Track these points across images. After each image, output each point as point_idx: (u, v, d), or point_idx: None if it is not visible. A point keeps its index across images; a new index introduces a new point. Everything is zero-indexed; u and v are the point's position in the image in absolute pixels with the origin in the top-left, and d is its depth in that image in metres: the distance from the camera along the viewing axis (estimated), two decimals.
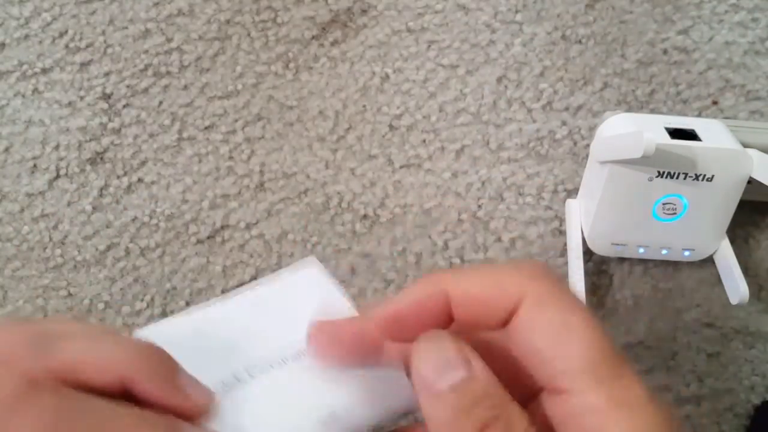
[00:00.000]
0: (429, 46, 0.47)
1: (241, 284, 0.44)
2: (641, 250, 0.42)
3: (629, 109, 0.46)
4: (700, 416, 0.44)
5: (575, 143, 0.46)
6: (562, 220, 0.45)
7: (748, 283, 0.41)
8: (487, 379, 0.20)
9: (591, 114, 0.46)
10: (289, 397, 0.26)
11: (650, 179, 0.39)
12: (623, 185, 0.40)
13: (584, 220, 0.43)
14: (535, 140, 0.46)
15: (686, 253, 0.42)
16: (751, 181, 0.40)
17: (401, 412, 0.26)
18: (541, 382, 0.21)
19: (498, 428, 0.20)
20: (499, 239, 0.45)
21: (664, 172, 0.39)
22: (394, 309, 0.23)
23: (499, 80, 0.47)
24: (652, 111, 0.46)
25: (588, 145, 0.46)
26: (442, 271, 0.23)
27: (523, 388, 0.22)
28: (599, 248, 0.43)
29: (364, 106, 0.47)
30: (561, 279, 0.22)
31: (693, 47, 0.47)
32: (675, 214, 0.41)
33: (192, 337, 0.26)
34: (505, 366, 0.22)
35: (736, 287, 0.41)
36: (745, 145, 0.40)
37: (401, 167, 0.46)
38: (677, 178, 0.39)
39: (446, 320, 0.23)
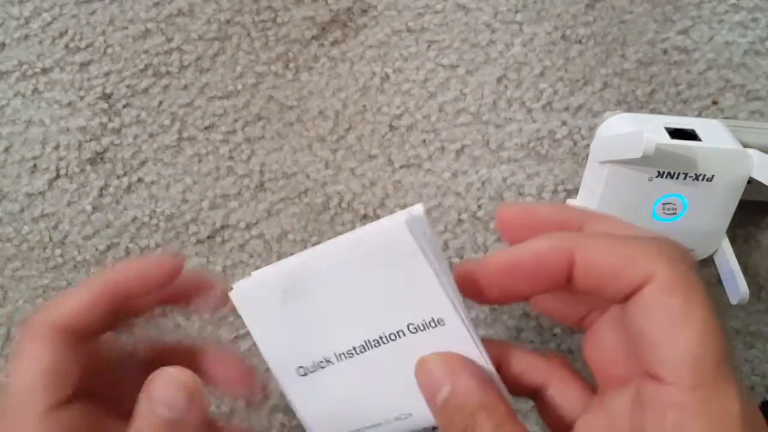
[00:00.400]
0: (429, 46, 0.47)
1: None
2: None
3: (629, 109, 0.46)
4: None
5: (575, 143, 0.46)
6: None
7: (748, 283, 0.41)
8: (465, 391, 0.23)
9: (591, 114, 0.46)
10: (369, 386, 0.27)
11: (650, 179, 0.39)
12: (623, 185, 0.40)
13: None
14: (535, 140, 0.46)
15: None
16: (751, 181, 0.40)
17: None
18: (643, 364, 0.21)
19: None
20: (499, 239, 0.45)
21: (664, 172, 0.39)
22: (513, 257, 0.23)
23: (499, 80, 0.47)
24: (652, 111, 0.46)
25: (588, 145, 0.46)
26: (573, 231, 0.23)
27: (623, 365, 0.22)
28: None
29: (364, 106, 0.47)
30: (694, 264, 0.22)
31: (693, 47, 0.47)
32: (675, 214, 0.41)
33: (287, 296, 0.27)
34: (614, 339, 0.23)
35: (736, 287, 0.41)
36: (745, 145, 0.40)
37: (401, 167, 0.46)
38: (677, 178, 0.39)
39: (563, 280, 0.23)
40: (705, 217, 0.41)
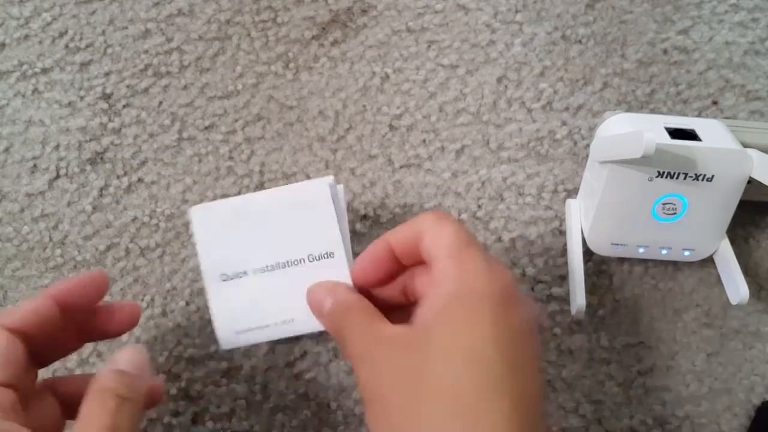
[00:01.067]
0: (429, 46, 0.47)
1: None
2: (641, 250, 0.42)
3: (629, 109, 0.46)
4: (699, 416, 0.44)
5: (575, 143, 0.46)
6: (562, 220, 0.45)
7: (748, 283, 0.41)
8: (343, 299, 0.34)
9: (591, 114, 0.46)
10: (269, 295, 0.38)
11: (650, 179, 0.39)
12: (623, 185, 0.40)
13: (584, 220, 0.43)
14: (535, 140, 0.46)
15: (686, 253, 0.42)
16: (751, 181, 0.40)
17: None
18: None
19: (344, 325, 0.33)
20: (499, 239, 0.45)
21: (664, 172, 0.39)
22: (361, 263, 0.35)
23: (499, 80, 0.47)
24: (652, 111, 0.46)
25: (588, 145, 0.46)
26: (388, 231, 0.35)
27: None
28: (599, 248, 0.43)
29: (364, 106, 0.47)
30: (448, 216, 0.33)
31: (693, 47, 0.47)
32: (675, 214, 0.41)
33: (228, 222, 0.38)
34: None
35: (736, 287, 0.41)
36: (745, 145, 0.40)
37: (401, 167, 0.46)
38: (677, 178, 0.39)
39: (398, 264, 0.34)
40: (705, 217, 0.41)
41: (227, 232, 0.38)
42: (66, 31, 0.47)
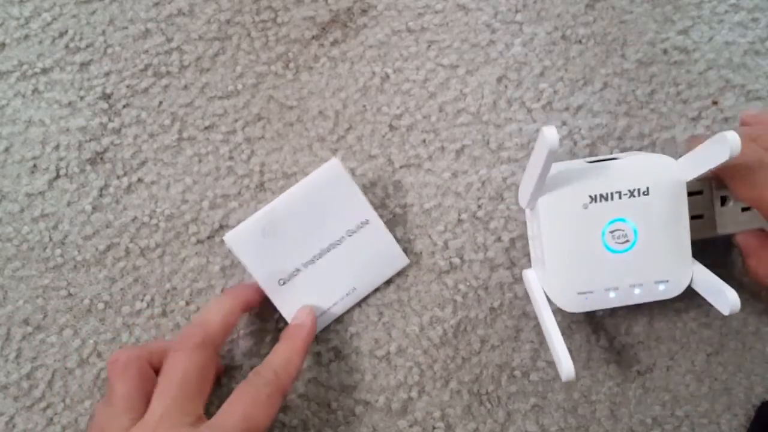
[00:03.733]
0: (429, 46, 0.47)
1: (241, 282, 0.44)
2: (612, 294, 0.39)
3: (629, 110, 0.46)
4: (698, 416, 0.44)
5: (575, 143, 0.46)
6: None
7: (747, 283, 0.40)
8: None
9: (591, 114, 0.46)
10: (326, 279, 0.42)
11: (585, 206, 0.37)
12: (561, 220, 0.38)
13: (543, 281, 0.40)
14: (535, 140, 0.46)
15: (661, 287, 0.39)
16: (703, 216, 0.39)
17: (391, 275, 0.44)
18: None
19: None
20: (499, 239, 0.45)
21: (595, 196, 0.37)
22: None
23: (499, 80, 0.47)
24: (652, 111, 0.46)
25: (588, 145, 0.46)
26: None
27: None
28: (567, 303, 0.40)
29: (364, 106, 0.47)
30: None
31: (693, 47, 0.47)
32: (628, 241, 0.38)
33: (262, 235, 0.41)
34: None
35: (724, 299, 0.37)
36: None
37: (401, 167, 0.46)
38: (611, 199, 0.37)
39: None
40: (661, 238, 0.38)
41: (266, 243, 0.41)
42: (66, 31, 0.47)
